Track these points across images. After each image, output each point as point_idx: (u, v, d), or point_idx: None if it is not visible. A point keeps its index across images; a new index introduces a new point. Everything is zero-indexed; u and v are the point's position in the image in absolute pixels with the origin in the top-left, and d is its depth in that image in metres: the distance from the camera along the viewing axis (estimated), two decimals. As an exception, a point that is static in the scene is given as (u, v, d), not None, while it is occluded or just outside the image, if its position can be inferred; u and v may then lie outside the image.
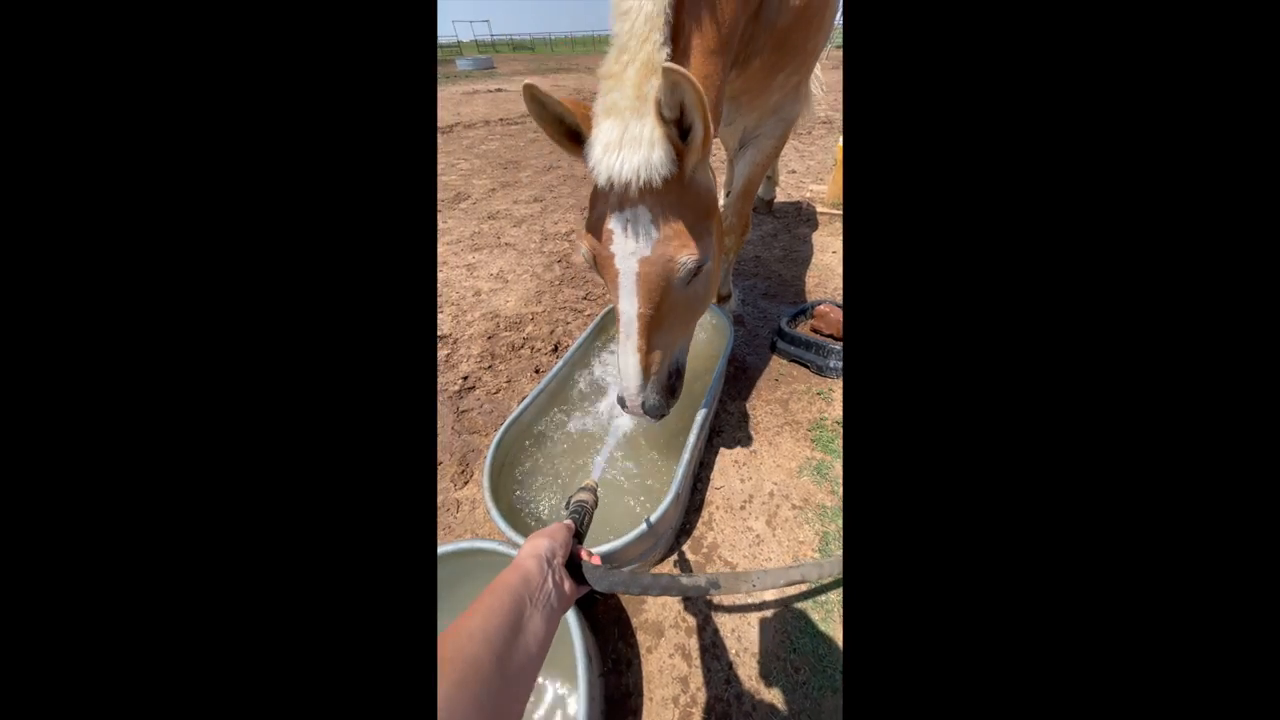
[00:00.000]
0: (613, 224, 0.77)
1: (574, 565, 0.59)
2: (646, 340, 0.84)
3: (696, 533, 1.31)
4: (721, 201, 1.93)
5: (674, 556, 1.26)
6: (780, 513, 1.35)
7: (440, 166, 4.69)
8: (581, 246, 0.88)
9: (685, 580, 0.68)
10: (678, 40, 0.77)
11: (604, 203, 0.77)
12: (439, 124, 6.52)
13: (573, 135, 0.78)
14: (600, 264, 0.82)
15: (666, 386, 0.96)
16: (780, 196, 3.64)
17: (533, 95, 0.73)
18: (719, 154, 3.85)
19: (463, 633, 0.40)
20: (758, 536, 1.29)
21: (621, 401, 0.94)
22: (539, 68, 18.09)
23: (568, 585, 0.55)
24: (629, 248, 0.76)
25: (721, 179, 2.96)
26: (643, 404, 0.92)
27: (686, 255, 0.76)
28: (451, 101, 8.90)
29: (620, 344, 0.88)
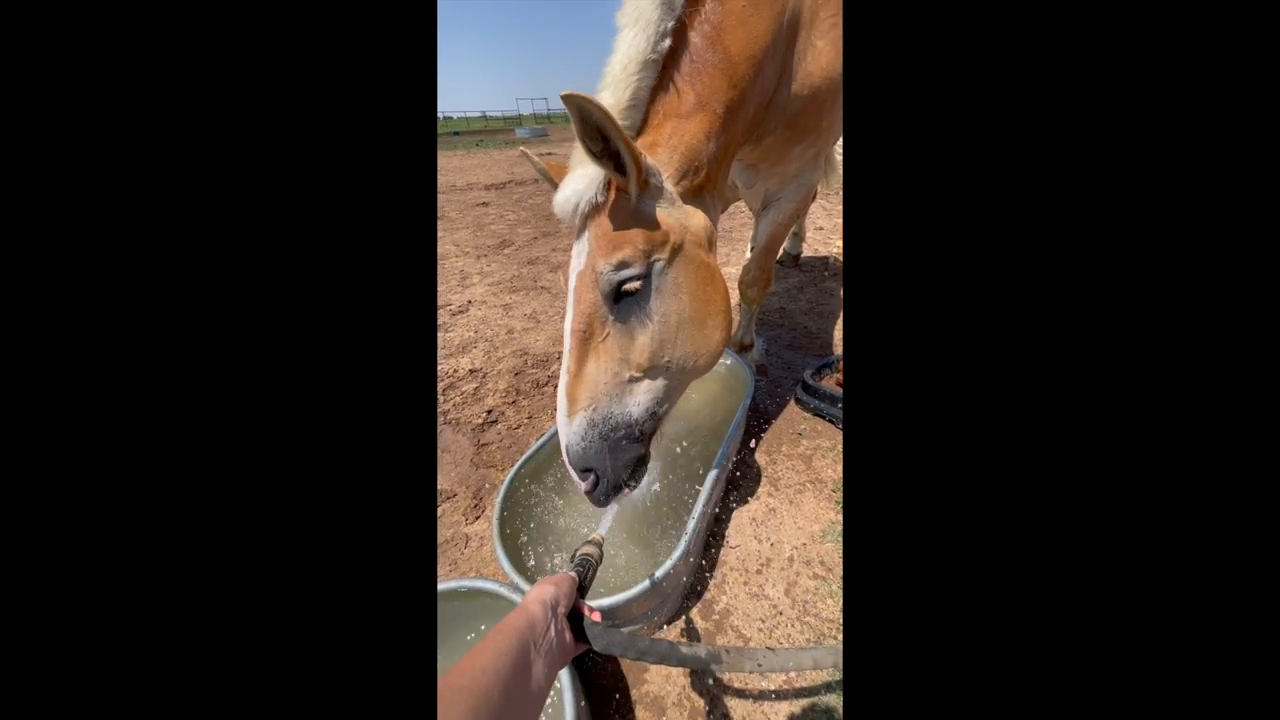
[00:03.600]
0: (572, 253, 0.86)
1: (575, 619, 0.58)
2: (576, 362, 0.81)
3: (708, 595, 1.22)
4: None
5: (681, 620, 1.17)
6: (800, 581, 1.24)
7: (490, 217, 5.17)
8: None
9: (685, 650, 0.63)
10: (648, 120, 0.89)
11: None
12: (493, 181, 7.30)
13: None
14: (568, 293, 0.89)
15: (604, 435, 0.81)
16: (807, 251, 3.71)
17: (525, 155, 1.02)
18: (743, 214, 4.02)
19: (476, 666, 0.42)
20: (774, 606, 1.18)
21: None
22: (586, 135, 20.05)
23: (568, 637, 0.54)
24: (575, 266, 0.84)
25: (750, 233, 3.09)
26: (567, 445, 0.81)
27: (604, 262, 0.79)
28: (507, 163, 9.97)
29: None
